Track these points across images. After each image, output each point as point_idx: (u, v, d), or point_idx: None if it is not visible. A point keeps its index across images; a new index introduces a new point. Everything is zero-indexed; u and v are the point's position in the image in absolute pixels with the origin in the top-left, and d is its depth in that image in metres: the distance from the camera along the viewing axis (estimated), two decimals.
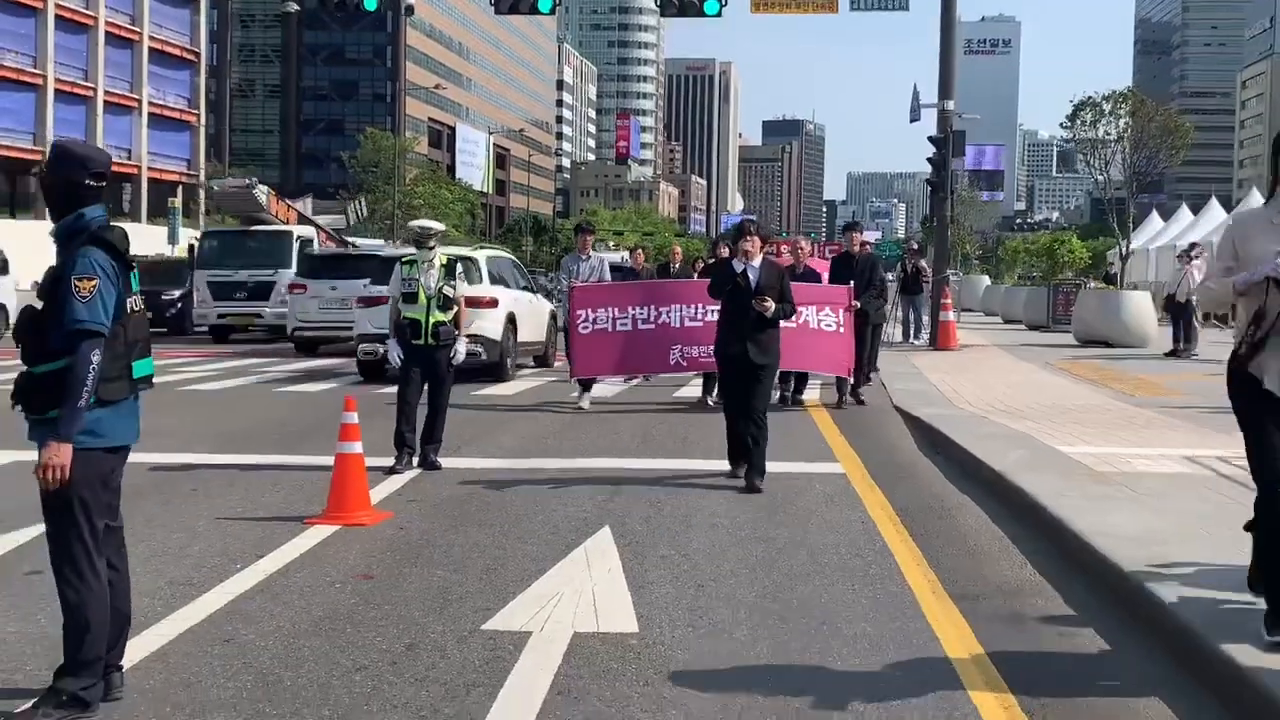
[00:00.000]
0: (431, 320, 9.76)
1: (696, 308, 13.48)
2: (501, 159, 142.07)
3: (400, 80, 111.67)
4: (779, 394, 13.76)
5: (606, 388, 15.08)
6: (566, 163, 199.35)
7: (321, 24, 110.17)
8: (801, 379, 14.67)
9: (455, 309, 9.91)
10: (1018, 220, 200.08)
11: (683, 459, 10.44)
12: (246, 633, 5.48)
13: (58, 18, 62.24)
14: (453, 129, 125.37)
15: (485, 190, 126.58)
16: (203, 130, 77.63)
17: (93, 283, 4.18)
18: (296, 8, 64.53)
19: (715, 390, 13.28)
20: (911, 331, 26.11)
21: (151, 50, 70.44)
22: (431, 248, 9.99)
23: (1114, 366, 19.14)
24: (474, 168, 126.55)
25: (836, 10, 24.60)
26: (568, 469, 9.95)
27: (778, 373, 11.06)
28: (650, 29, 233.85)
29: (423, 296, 9.75)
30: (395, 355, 9.97)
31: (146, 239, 44.39)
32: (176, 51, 73.86)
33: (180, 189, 69.63)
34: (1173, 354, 21.05)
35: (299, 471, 9.64)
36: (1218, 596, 5.44)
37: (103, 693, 4.47)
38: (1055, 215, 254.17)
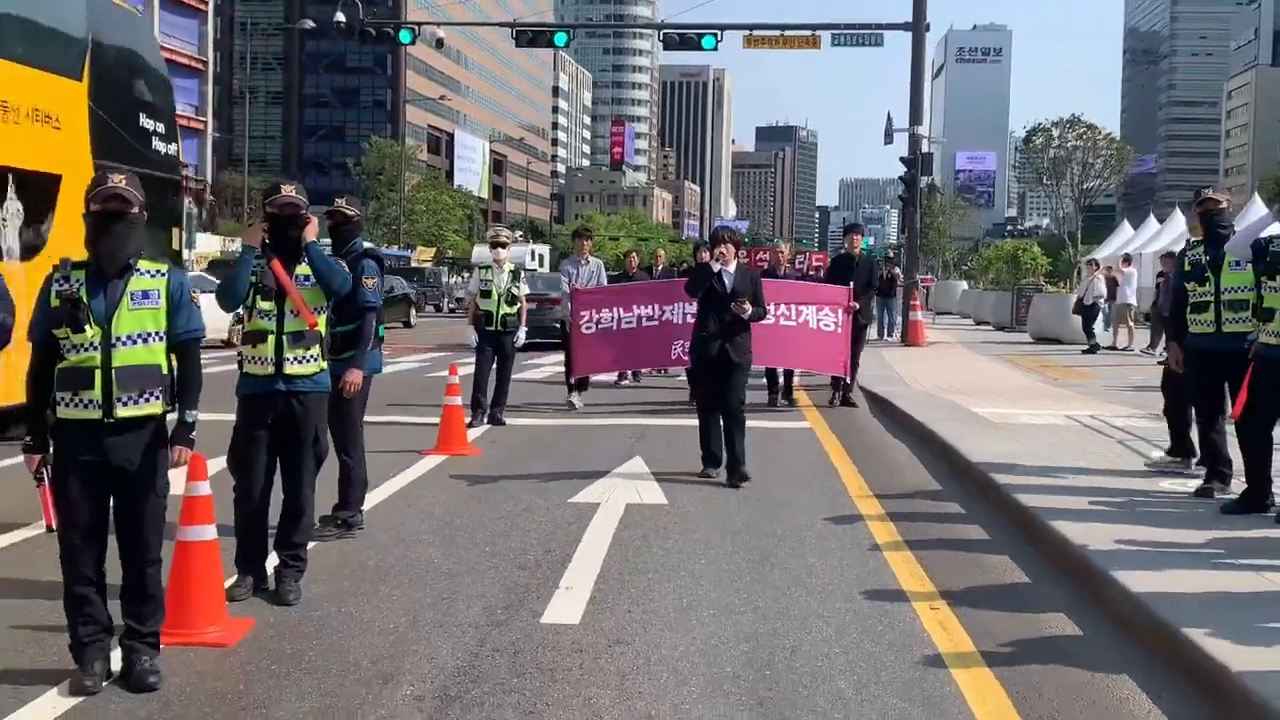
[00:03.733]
0: (501, 312, 12.91)
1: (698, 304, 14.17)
2: (498, 165, 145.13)
3: (400, 88, 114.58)
4: (767, 398, 14.95)
5: (609, 378, 17.07)
6: (562, 168, 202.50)
7: (323, 33, 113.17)
8: (788, 378, 15.52)
9: (519, 304, 13.06)
10: (1008, 227, 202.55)
11: (691, 418, 13.48)
12: (418, 503, 8.64)
13: None
14: (451, 135, 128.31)
15: (483, 196, 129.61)
16: (210, 137, 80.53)
17: (373, 280, 7.34)
18: (311, 24, 67.74)
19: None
20: (885, 330, 29.22)
21: None
22: (504, 244, 13.14)
23: (1055, 359, 22.30)
24: (471, 173, 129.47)
25: (819, 46, 27.84)
26: (602, 425, 13.11)
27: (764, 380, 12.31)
28: (645, 36, 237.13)
29: (495, 294, 12.89)
30: (472, 339, 13.10)
31: None
32: (185, 60, 76.39)
33: (190, 194, 72.50)
34: (1090, 351, 23.85)
35: (398, 426, 12.75)
36: (1034, 480, 8.62)
37: (358, 522, 7.62)
38: (1045, 222, 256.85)
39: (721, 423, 9.79)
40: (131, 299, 4.93)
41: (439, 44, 35.98)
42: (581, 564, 6.86)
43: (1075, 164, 28.25)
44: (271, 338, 6.13)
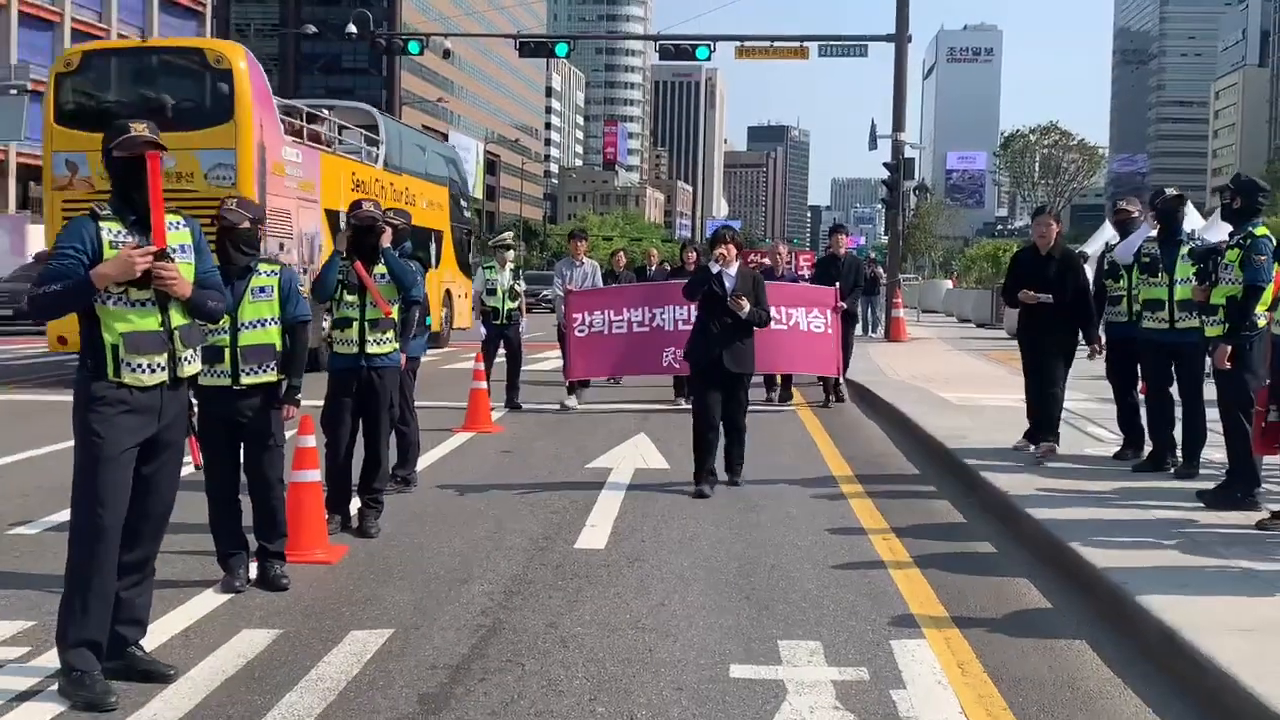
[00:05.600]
0: (505, 307, 14.40)
1: (689, 309, 12.59)
2: (492, 165, 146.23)
3: (395, 89, 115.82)
4: (765, 395, 15.25)
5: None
6: (555, 168, 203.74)
7: (319, 35, 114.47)
8: (786, 378, 15.57)
9: (520, 299, 14.54)
10: (998, 227, 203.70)
11: (689, 407, 15.06)
12: (458, 468, 10.19)
13: (74, 30, 65.86)
14: (445, 136, 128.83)
15: (477, 196, 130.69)
16: None
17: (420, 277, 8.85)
18: (313, 29, 69.13)
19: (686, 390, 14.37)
20: (869, 326, 30.75)
21: None
22: (510, 246, 14.64)
23: None
24: (466, 174, 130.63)
25: (807, 57, 29.39)
26: (607, 410, 14.64)
27: (760, 377, 12.75)
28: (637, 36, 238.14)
29: (500, 291, 14.39)
30: (481, 332, 14.62)
31: None
32: None
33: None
34: None
35: (428, 409, 14.20)
36: (980, 447, 10.17)
37: (415, 479, 9.16)
38: None
39: (723, 437, 9.42)
40: (252, 293, 6.42)
41: (446, 54, 37.40)
42: (601, 510, 8.41)
43: (1052, 166, 29.85)
44: (355, 324, 7.66)
